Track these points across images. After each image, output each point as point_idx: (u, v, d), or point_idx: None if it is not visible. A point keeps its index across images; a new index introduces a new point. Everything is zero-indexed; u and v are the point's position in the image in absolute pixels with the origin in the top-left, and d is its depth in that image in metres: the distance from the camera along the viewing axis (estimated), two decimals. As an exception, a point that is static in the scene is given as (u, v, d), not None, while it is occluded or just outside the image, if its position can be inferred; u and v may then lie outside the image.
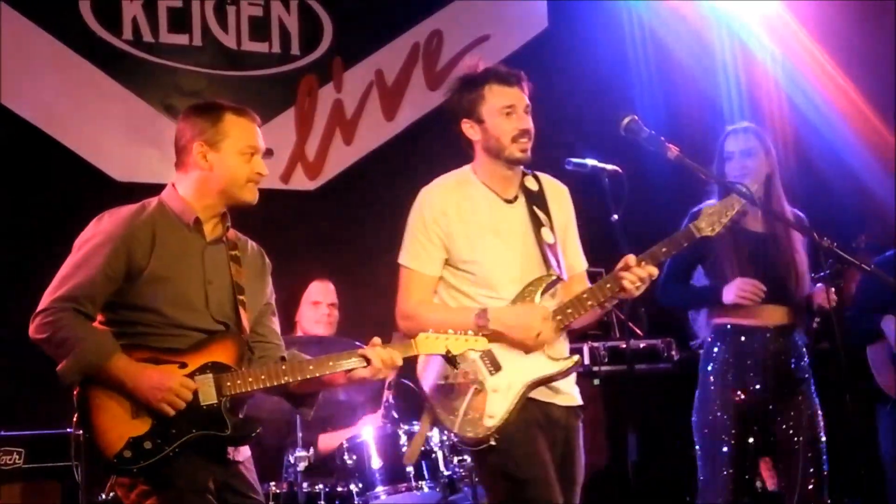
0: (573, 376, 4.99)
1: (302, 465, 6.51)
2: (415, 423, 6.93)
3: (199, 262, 4.52)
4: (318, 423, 7.10)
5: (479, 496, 6.51)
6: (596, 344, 8.04)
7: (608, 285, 4.77)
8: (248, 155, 4.53)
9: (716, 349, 6.21)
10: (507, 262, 4.89)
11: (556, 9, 9.46)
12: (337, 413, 7.28)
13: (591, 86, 8.99)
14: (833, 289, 6.06)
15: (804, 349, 6.22)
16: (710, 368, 6.22)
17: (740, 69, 9.56)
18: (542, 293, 4.86)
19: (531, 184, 5.07)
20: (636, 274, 4.72)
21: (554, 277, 4.90)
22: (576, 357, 4.91)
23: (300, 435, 6.57)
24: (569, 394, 4.96)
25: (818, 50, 9.40)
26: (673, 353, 7.36)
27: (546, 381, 4.81)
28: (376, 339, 4.54)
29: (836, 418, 6.41)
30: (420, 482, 6.59)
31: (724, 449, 6.10)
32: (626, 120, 4.83)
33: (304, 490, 6.55)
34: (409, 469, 6.58)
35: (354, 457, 6.70)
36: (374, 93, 8.93)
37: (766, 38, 9.51)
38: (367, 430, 6.79)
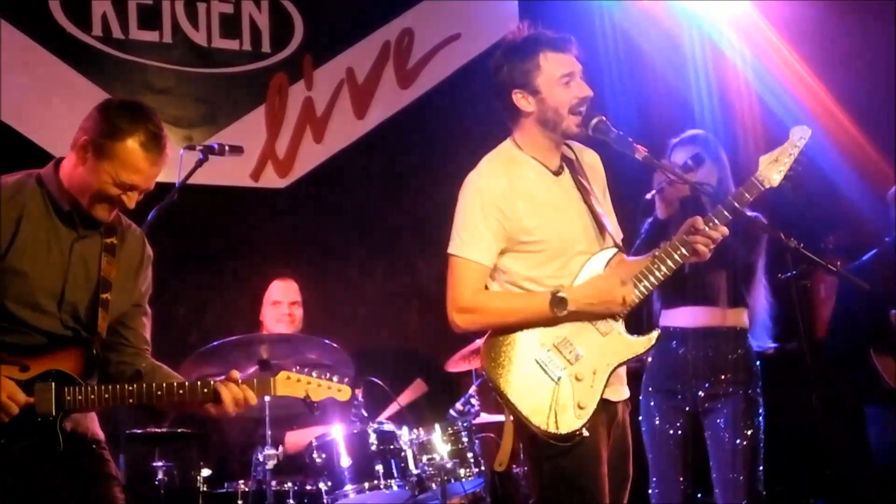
0: (624, 369, 4.70)
1: (270, 464, 6.50)
2: (384, 422, 6.95)
3: (64, 256, 4.23)
4: (285, 420, 7.10)
5: (447, 495, 6.53)
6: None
7: (679, 251, 4.55)
8: (115, 185, 4.15)
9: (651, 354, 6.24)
10: (572, 235, 4.62)
11: (527, 8, 9.46)
12: (306, 411, 7.26)
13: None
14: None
15: (741, 351, 6.14)
16: (644, 376, 6.25)
17: (710, 69, 9.57)
18: (606, 266, 4.60)
19: (568, 153, 4.84)
20: (709, 236, 4.54)
21: (616, 250, 4.68)
22: (658, 330, 4.64)
23: (269, 433, 6.55)
24: (624, 385, 4.71)
25: (787, 49, 9.43)
26: (649, 359, 7.37)
27: (632, 360, 4.58)
28: (234, 373, 4.27)
29: (803, 419, 6.44)
30: (389, 481, 6.60)
31: (669, 454, 6.11)
32: (595, 120, 4.77)
33: (273, 488, 6.54)
34: (379, 467, 6.59)
35: (324, 455, 6.70)
36: (344, 91, 8.91)
37: (736, 38, 9.54)
38: (337, 429, 6.78)
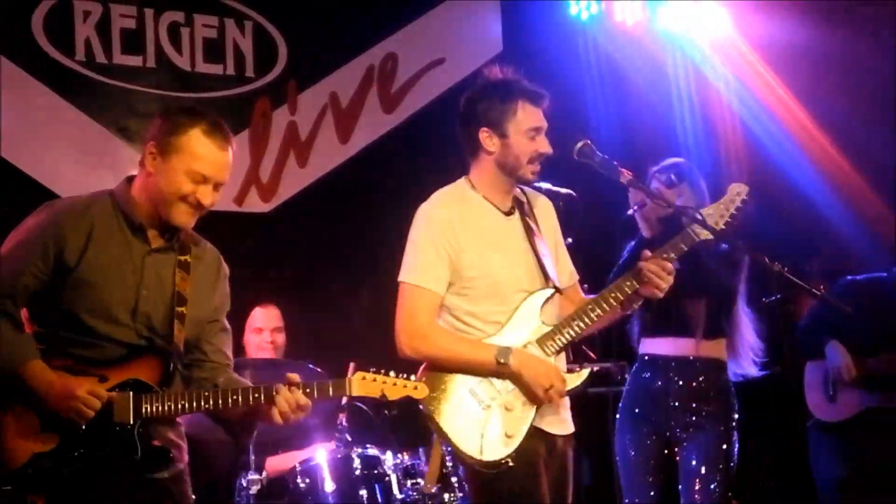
0: (568, 402, 4.85)
1: (254, 489, 6.48)
2: (368, 446, 6.93)
3: (137, 270, 4.29)
4: (269, 445, 7.08)
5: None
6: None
7: (628, 282, 4.70)
8: (189, 179, 4.25)
9: (628, 380, 6.25)
10: (510, 273, 4.75)
11: (511, 32, 9.49)
12: (289, 435, 7.25)
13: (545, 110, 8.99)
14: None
15: (718, 382, 6.09)
16: (619, 405, 6.24)
17: (694, 93, 9.62)
18: (542, 305, 4.75)
19: (520, 196, 4.98)
20: (658, 265, 4.68)
21: (552, 291, 4.80)
22: (589, 369, 4.78)
23: (252, 458, 6.53)
24: (567, 421, 4.85)
25: (770, 74, 9.46)
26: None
27: (562, 396, 4.68)
28: (294, 376, 4.32)
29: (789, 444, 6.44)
30: (373, 506, 6.57)
31: (642, 482, 6.10)
32: (580, 144, 4.82)
33: (258, 513, 6.52)
34: (363, 492, 6.56)
35: (307, 480, 6.67)
36: (328, 115, 8.91)
37: (720, 62, 9.57)
38: (321, 453, 6.76)
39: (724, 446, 5.96)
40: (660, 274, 4.68)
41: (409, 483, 6.61)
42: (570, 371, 4.75)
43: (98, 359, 4.22)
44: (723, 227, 4.89)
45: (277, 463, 7.11)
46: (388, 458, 6.70)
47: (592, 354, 7.91)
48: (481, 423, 4.56)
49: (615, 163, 4.88)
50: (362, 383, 4.33)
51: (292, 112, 8.82)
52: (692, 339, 6.04)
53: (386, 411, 4.34)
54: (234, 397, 4.25)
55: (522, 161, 4.76)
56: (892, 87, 9.04)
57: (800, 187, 9.13)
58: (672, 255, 4.76)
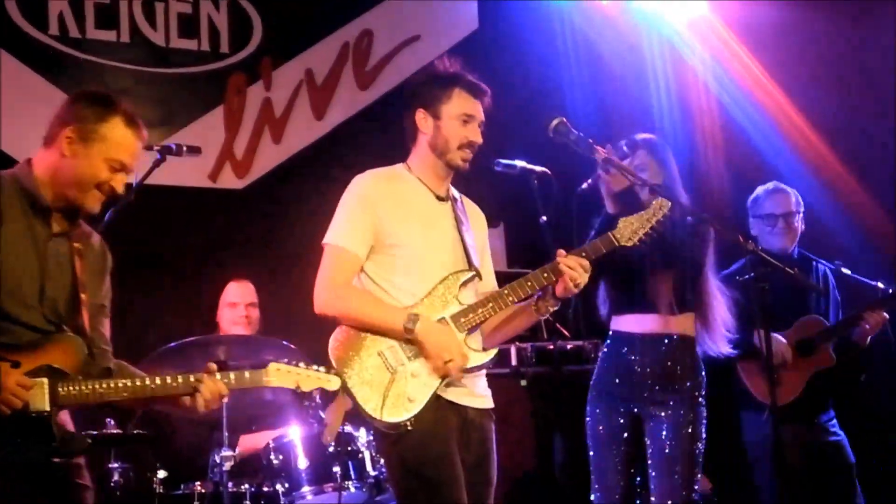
0: (485, 380, 4.98)
1: (227, 465, 6.47)
2: (342, 423, 6.92)
3: (41, 253, 4.25)
4: (243, 422, 7.07)
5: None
6: (523, 345, 8.05)
7: (545, 274, 4.81)
8: (108, 167, 4.27)
9: (600, 356, 6.27)
10: (434, 251, 4.90)
11: (487, 10, 9.48)
12: (263, 412, 7.25)
13: (521, 87, 8.99)
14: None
15: (687, 358, 6.08)
16: (591, 381, 6.25)
17: (670, 72, 9.62)
18: (461, 286, 4.88)
19: (456, 194, 5.14)
20: (576, 260, 4.79)
21: (473, 273, 4.93)
22: (495, 350, 4.88)
23: (225, 434, 6.52)
24: (484, 396, 4.96)
25: (746, 54, 9.47)
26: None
27: (467, 372, 4.78)
28: (212, 365, 4.32)
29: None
30: (346, 482, 6.57)
31: (611, 458, 6.11)
32: (555, 122, 4.84)
33: (230, 490, 6.51)
34: (336, 469, 6.56)
35: (281, 456, 6.67)
36: (303, 92, 8.90)
37: (696, 42, 9.58)
38: (294, 430, 6.76)
39: (693, 423, 5.97)
40: (577, 269, 4.79)
41: (382, 460, 6.61)
42: (484, 350, 4.87)
43: (10, 343, 4.12)
44: (644, 238, 4.98)
45: (251, 441, 7.10)
46: (362, 435, 6.70)
47: (566, 332, 7.93)
48: (385, 385, 4.67)
49: (590, 140, 4.88)
50: (277, 374, 4.41)
51: (267, 88, 8.80)
52: (660, 315, 6.04)
53: (305, 402, 4.42)
54: (154, 385, 4.24)
55: (452, 145, 4.94)
56: (869, 65, 9.07)
57: (776, 167, 9.14)
58: (591, 254, 4.87)
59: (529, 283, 4.83)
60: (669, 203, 5.04)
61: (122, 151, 4.30)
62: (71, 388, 4.13)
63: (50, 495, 4.18)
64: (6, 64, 7.94)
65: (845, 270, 7.16)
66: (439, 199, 5.02)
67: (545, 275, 4.81)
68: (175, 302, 8.21)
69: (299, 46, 8.95)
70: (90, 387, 4.17)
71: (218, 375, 4.29)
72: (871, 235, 8.79)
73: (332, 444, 6.44)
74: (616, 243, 4.94)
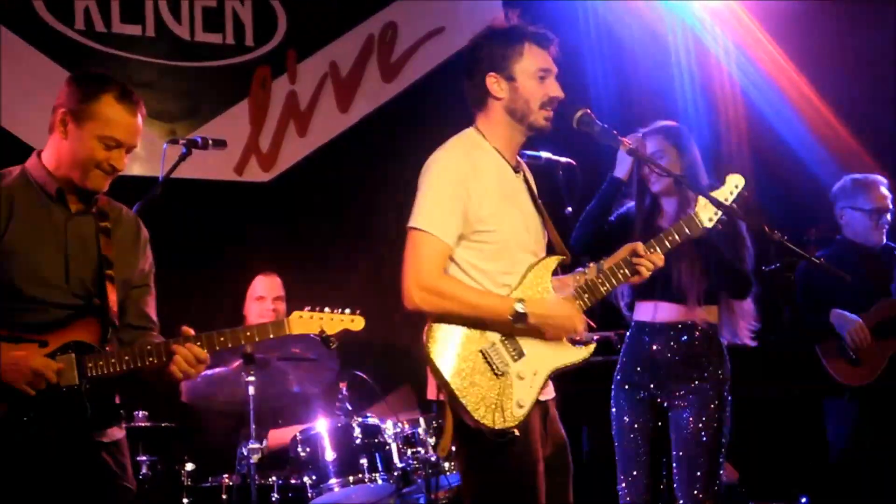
0: None
1: (255, 458, 6.49)
2: (369, 415, 6.94)
3: (60, 235, 4.32)
4: (271, 414, 7.10)
5: (431, 488, 6.52)
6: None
7: (622, 271, 4.61)
8: (102, 145, 4.31)
9: (623, 346, 6.24)
10: (521, 232, 4.57)
11: (511, 1, 9.47)
12: (291, 405, 7.28)
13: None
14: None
15: (712, 348, 6.05)
16: (617, 367, 6.22)
17: (693, 62, 9.60)
18: (552, 273, 4.62)
19: (520, 161, 4.81)
20: (651, 260, 4.63)
21: (563, 258, 4.67)
22: (594, 343, 4.63)
23: (253, 427, 6.54)
24: (551, 385, 4.67)
25: (770, 43, 9.45)
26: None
27: (570, 368, 4.55)
28: (187, 330, 4.34)
29: (785, 414, 6.42)
30: (374, 474, 6.59)
31: (636, 448, 6.09)
32: (579, 113, 4.77)
33: (257, 482, 6.53)
34: (364, 461, 6.58)
35: (308, 449, 6.69)
36: (328, 84, 8.91)
37: (719, 31, 9.56)
38: (321, 423, 6.77)
39: (718, 412, 5.93)
40: (650, 267, 4.64)
41: (409, 452, 6.63)
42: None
43: (37, 323, 4.23)
44: (722, 217, 4.85)
45: (279, 436, 7.13)
46: (389, 427, 6.72)
47: (592, 323, 7.92)
48: (495, 389, 4.35)
49: (615, 132, 4.86)
50: (300, 321, 4.43)
51: (292, 81, 8.81)
52: (686, 306, 6.01)
53: (331, 345, 4.21)
54: (151, 358, 4.27)
55: (533, 105, 4.58)
56: (891, 55, 9.04)
57: (799, 155, 9.13)
58: (667, 245, 4.74)
59: (618, 274, 4.64)
60: (744, 179, 4.91)
61: (114, 128, 4.31)
62: (99, 360, 4.23)
63: (85, 472, 4.26)
64: (32, 59, 7.98)
65: None
66: (514, 170, 4.66)
67: (622, 272, 4.63)
68: (201, 295, 8.23)
69: (324, 39, 8.95)
70: (117, 356, 4.25)
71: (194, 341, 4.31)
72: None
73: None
74: (700, 225, 4.79)
